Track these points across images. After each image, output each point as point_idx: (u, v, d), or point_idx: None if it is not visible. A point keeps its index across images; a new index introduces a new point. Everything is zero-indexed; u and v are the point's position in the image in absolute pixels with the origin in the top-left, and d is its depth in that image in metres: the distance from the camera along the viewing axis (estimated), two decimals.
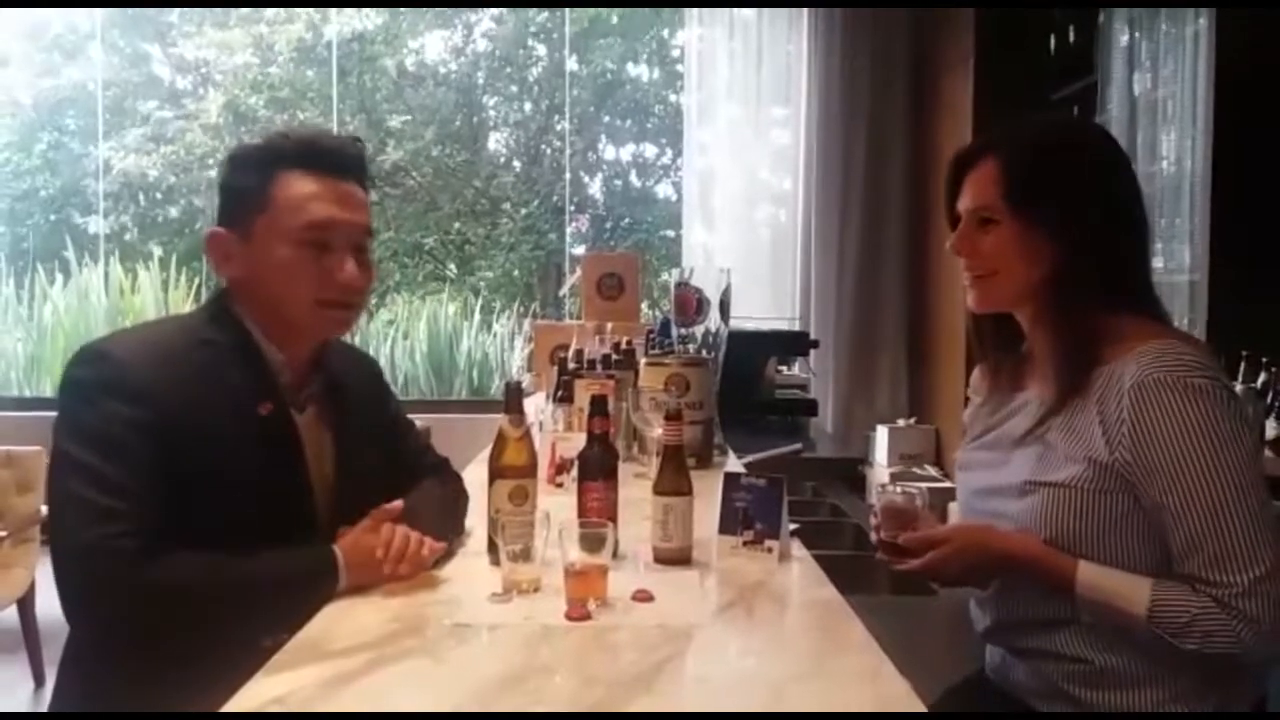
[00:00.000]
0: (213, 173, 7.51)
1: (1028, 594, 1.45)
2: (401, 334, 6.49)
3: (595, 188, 8.53)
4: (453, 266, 8.31)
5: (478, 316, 6.71)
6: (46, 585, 3.21)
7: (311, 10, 7.50)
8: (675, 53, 7.64)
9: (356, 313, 1.57)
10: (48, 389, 5.76)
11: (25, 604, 3.41)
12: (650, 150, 8.56)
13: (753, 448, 2.86)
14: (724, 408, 2.51)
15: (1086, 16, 4.02)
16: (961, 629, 1.65)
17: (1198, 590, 1.30)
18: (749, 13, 5.25)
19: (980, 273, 1.50)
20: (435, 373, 6.26)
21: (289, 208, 1.46)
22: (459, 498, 1.75)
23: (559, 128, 8.05)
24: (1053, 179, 1.45)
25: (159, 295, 5.99)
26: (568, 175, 7.79)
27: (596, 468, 1.58)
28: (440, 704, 1.06)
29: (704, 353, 2.45)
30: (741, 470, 1.87)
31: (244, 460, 1.42)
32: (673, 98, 7.95)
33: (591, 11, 7.82)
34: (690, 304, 2.51)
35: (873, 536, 1.56)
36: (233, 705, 1.03)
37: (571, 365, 2.69)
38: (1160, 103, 3.65)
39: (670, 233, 7.60)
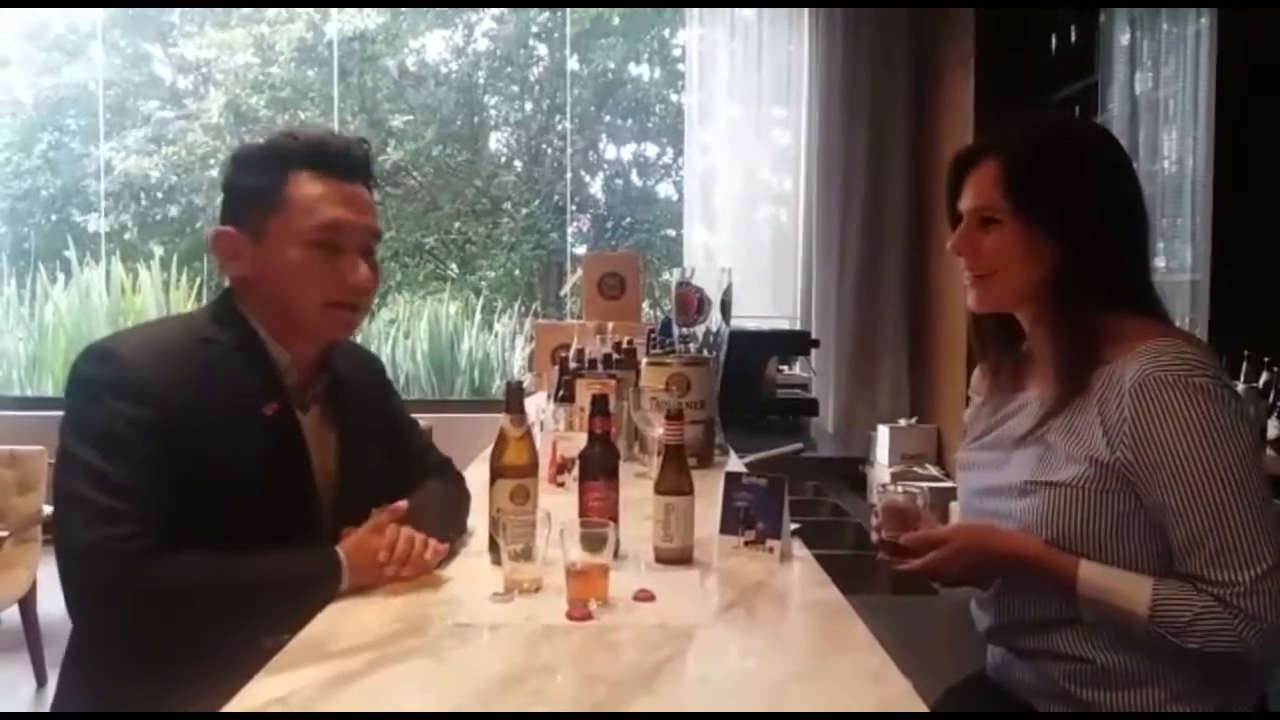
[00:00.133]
0: (214, 173, 7.51)
1: (1029, 594, 1.45)
2: (403, 333, 6.50)
3: (596, 187, 8.53)
4: (454, 266, 8.31)
5: (479, 316, 6.71)
6: (48, 585, 3.23)
7: (312, 10, 7.51)
8: (676, 52, 7.65)
9: (363, 314, 1.58)
10: (49, 389, 5.77)
11: (27, 604, 3.42)
12: (651, 150, 8.57)
13: (754, 447, 2.86)
14: (725, 407, 2.51)
15: (1087, 16, 4.02)
16: (963, 629, 1.65)
17: (1199, 589, 1.30)
18: (750, 13, 5.25)
19: (981, 273, 1.50)
20: (436, 372, 6.27)
21: (301, 209, 1.46)
22: (462, 498, 1.75)
23: (560, 127, 8.06)
24: (1054, 179, 1.45)
25: (160, 295, 6.00)
26: (569, 175, 7.79)
27: (598, 467, 1.58)
28: (442, 704, 1.06)
29: (705, 352, 2.45)
30: (743, 470, 1.87)
31: (248, 460, 1.42)
32: (674, 97, 7.95)
33: (593, 12, 7.82)
34: (691, 304, 2.51)
35: (874, 536, 1.56)
36: (234, 705, 1.04)
37: (573, 365, 2.69)
38: (1161, 102, 3.65)
39: (671, 232, 7.60)
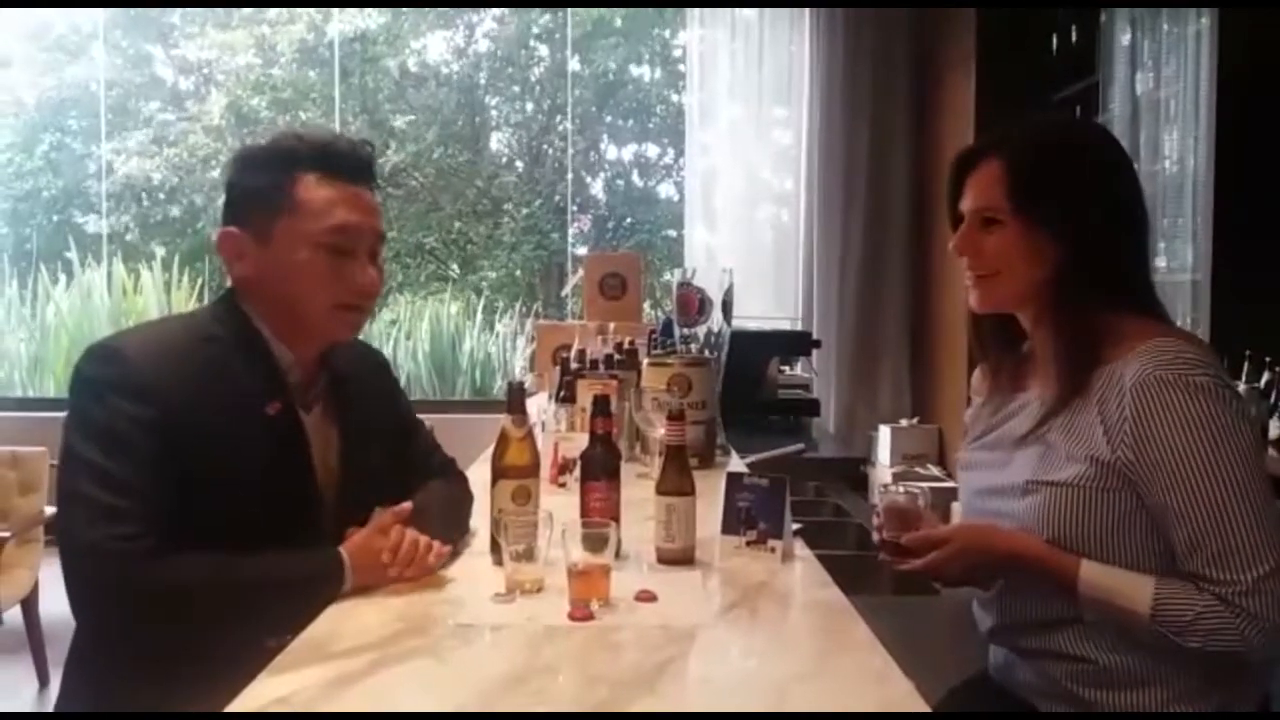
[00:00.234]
0: (215, 174, 7.51)
1: (1031, 594, 1.45)
2: (404, 334, 6.50)
3: (597, 188, 8.53)
4: (455, 266, 8.32)
5: (480, 316, 6.71)
6: (50, 586, 3.23)
7: (313, 10, 7.51)
8: (677, 53, 7.65)
9: (367, 316, 1.58)
10: (51, 389, 5.77)
11: (29, 604, 3.42)
12: (652, 150, 8.57)
13: (755, 448, 2.86)
14: (726, 408, 2.51)
15: (1088, 16, 4.01)
16: (965, 629, 1.65)
17: (1201, 588, 1.30)
18: (750, 13, 5.25)
19: (983, 273, 1.50)
20: (438, 373, 6.27)
21: (312, 211, 1.47)
22: (465, 500, 1.75)
23: (561, 128, 8.06)
24: (1055, 179, 1.45)
25: (161, 296, 6.01)
26: (570, 175, 7.79)
27: (599, 468, 1.58)
28: (443, 704, 1.06)
29: (706, 353, 2.45)
30: (744, 470, 1.87)
31: (250, 459, 1.42)
32: (674, 98, 7.95)
33: (595, 15, 7.83)
34: (692, 304, 2.51)
35: (875, 536, 1.56)
36: (236, 705, 1.04)
37: (574, 365, 2.69)
38: (1162, 102, 3.65)
39: (672, 233, 7.61)
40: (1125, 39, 3.84)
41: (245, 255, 1.49)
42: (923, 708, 1.07)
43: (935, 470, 4.60)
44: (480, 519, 1.69)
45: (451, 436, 1.87)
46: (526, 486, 1.54)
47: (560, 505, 1.59)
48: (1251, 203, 3.16)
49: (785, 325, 5.17)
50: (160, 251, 6.65)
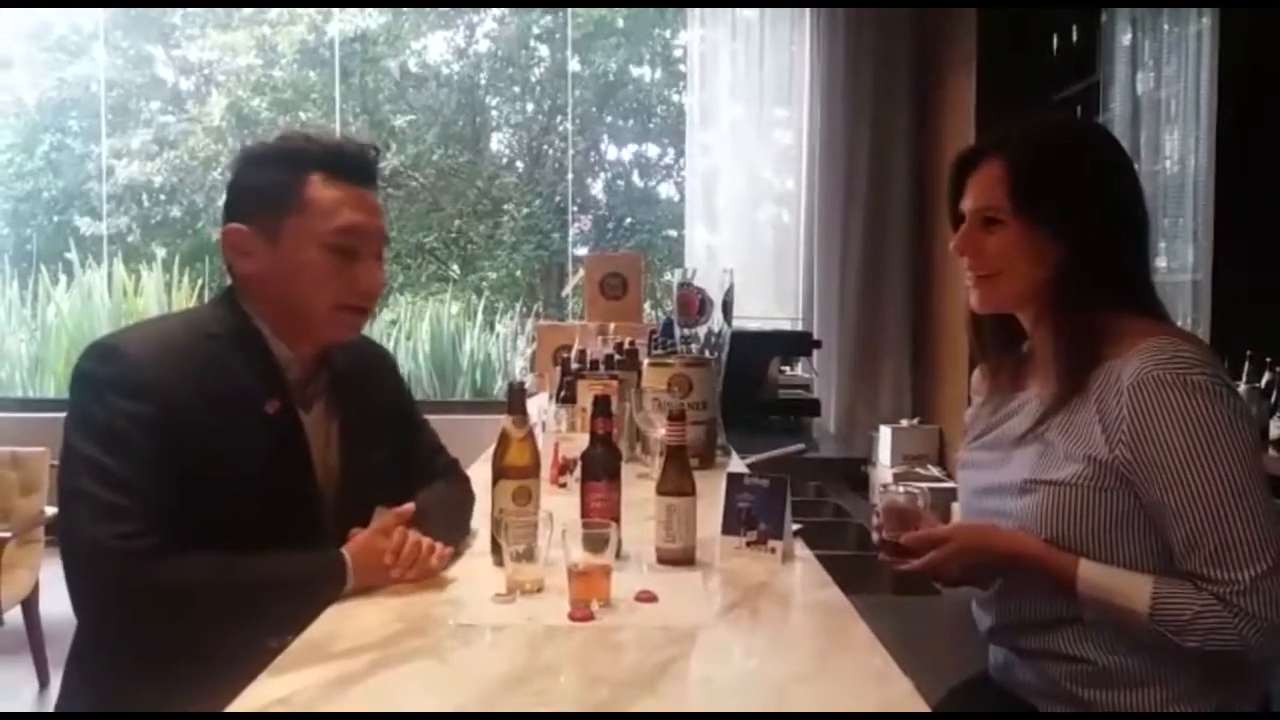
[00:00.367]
0: (216, 175, 7.52)
1: (1030, 594, 1.45)
2: (404, 334, 6.50)
3: (598, 188, 8.54)
4: (455, 267, 8.32)
5: (480, 317, 6.72)
6: (51, 586, 3.23)
7: (314, 11, 7.51)
8: (677, 53, 7.65)
9: (368, 316, 1.59)
10: (51, 390, 5.77)
11: (30, 605, 3.42)
12: (653, 150, 8.57)
13: (756, 448, 2.86)
14: (727, 408, 2.51)
15: (1089, 16, 4.02)
16: (965, 629, 1.65)
17: (1199, 587, 1.30)
18: (751, 13, 5.25)
19: (984, 273, 1.50)
20: (438, 373, 6.27)
21: (322, 211, 1.47)
22: (468, 502, 1.75)
23: (561, 128, 8.06)
24: (1056, 179, 1.45)
25: (162, 296, 6.01)
26: (570, 175, 7.79)
27: (600, 468, 1.58)
28: (444, 704, 1.06)
29: (707, 353, 2.45)
30: (745, 470, 1.87)
31: (249, 457, 1.42)
32: (675, 98, 7.96)
33: (596, 16, 7.83)
34: (693, 304, 2.51)
35: (874, 536, 1.56)
36: (237, 706, 1.04)
37: (574, 366, 2.69)
38: (1163, 102, 3.65)
39: (673, 233, 7.61)
40: (1126, 39, 3.85)
41: (251, 252, 1.49)
42: (923, 708, 1.07)
43: (936, 470, 4.60)
44: (481, 519, 1.69)
45: (452, 437, 1.87)
46: (527, 487, 1.54)
47: (561, 505, 1.59)
48: (1252, 203, 3.16)
49: (786, 325, 5.18)
50: (161, 252, 6.66)
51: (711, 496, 1.64)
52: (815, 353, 4.60)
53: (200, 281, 6.29)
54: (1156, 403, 1.31)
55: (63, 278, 6.08)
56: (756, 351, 4.01)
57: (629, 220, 8.32)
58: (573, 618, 1.29)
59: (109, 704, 1.39)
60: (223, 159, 7.54)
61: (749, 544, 1.60)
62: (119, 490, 1.31)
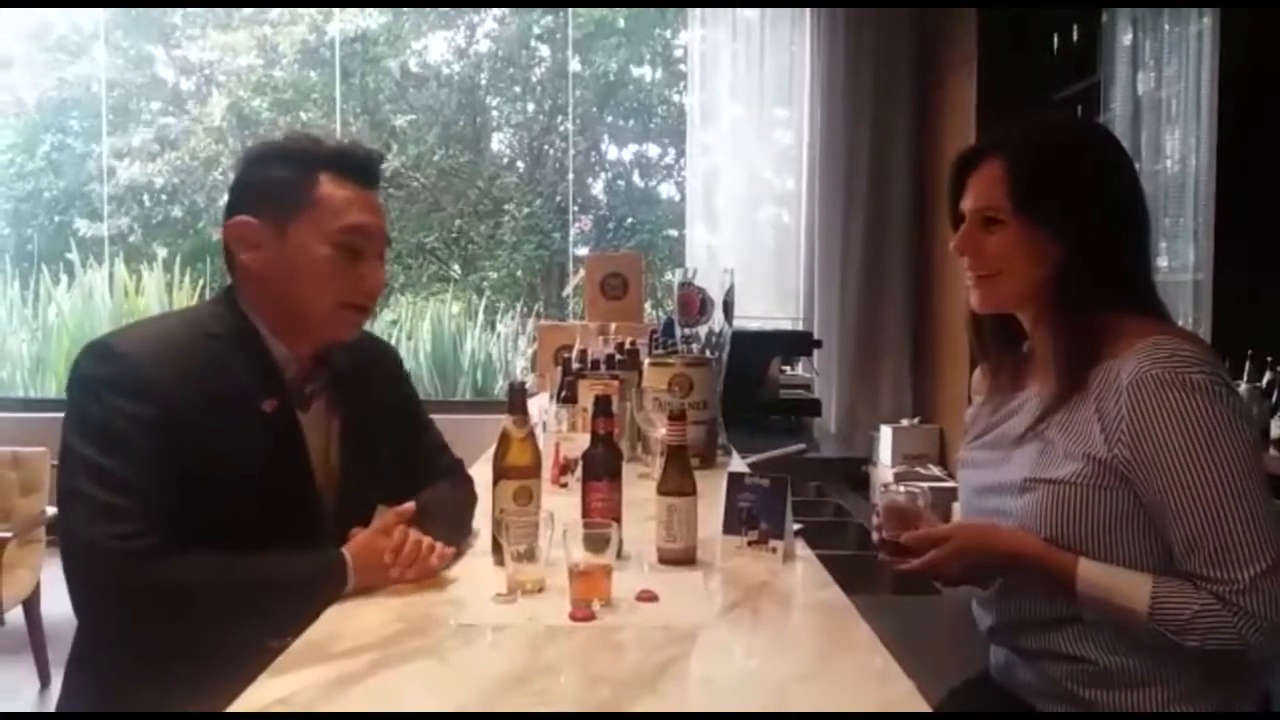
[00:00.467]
0: (217, 175, 7.52)
1: (1030, 594, 1.45)
2: (405, 334, 6.51)
3: (598, 188, 8.54)
4: (456, 267, 8.32)
5: (481, 317, 6.72)
6: (52, 586, 3.23)
7: (314, 10, 7.51)
8: (678, 53, 7.65)
9: (369, 316, 1.59)
10: (52, 390, 5.78)
11: (31, 605, 3.42)
12: (653, 150, 8.57)
13: (756, 448, 2.86)
14: (728, 408, 2.51)
15: (1089, 16, 4.02)
16: (966, 629, 1.65)
17: (1199, 587, 1.30)
18: (752, 13, 5.25)
19: (984, 273, 1.50)
20: (439, 373, 6.27)
21: (332, 209, 1.48)
22: (470, 502, 1.75)
23: (562, 128, 8.06)
24: (1056, 179, 1.45)
25: (163, 296, 6.02)
26: (571, 175, 7.80)
27: (601, 468, 1.58)
28: (445, 704, 1.06)
29: (708, 353, 2.45)
30: (745, 470, 1.87)
31: (247, 456, 1.42)
32: (675, 98, 7.96)
33: (596, 16, 7.83)
34: (694, 304, 2.51)
35: (874, 536, 1.56)
36: (237, 706, 1.04)
37: (575, 365, 2.70)
38: (1164, 102, 3.65)
39: (673, 233, 7.61)
40: (1126, 39, 3.85)
41: (259, 245, 1.48)
42: (923, 708, 1.07)
43: (936, 470, 4.60)
44: (482, 519, 1.69)
45: (453, 437, 1.87)
46: (528, 487, 1.54)
47: (561, 505, 1.59)
48: (1253, 202, 3.16)
49: (786, 325, 5.18)
50: (162, 252, 6.66)
51: (712, 496, 1.64)
52: (816, 352, 4.60)
53: (201, 282, 6.29)
54: (1155, 402, 1.31)
55: (64, 278, 6.08)
56: (757, 351, 4.01)
57: (630, 220, 8.32)
58: (574, 617, 1.29)
59: (109, 704, 1.39)
60: (224, 159, 7.54)
61: (750, 544, 1.60)
62: (117, 490, 1.31)
